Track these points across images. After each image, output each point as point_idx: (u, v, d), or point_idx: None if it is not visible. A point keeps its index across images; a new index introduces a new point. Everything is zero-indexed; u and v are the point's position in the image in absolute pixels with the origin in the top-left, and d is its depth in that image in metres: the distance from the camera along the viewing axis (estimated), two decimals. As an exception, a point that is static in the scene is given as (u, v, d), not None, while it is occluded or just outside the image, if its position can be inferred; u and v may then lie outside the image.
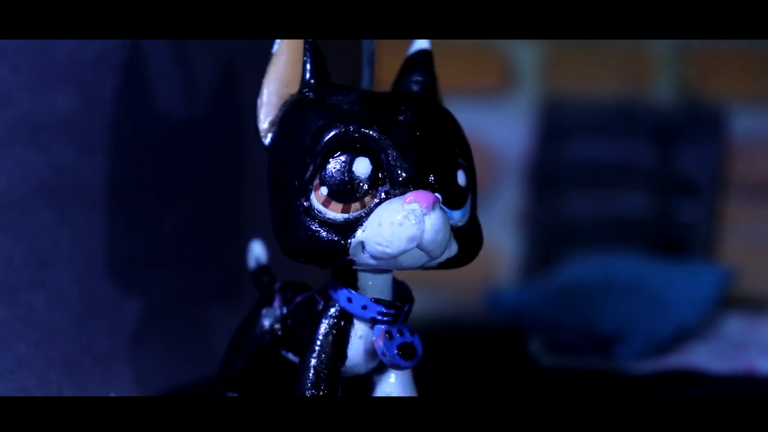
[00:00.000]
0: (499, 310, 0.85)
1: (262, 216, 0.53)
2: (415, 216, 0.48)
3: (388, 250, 0.49)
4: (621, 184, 1.03)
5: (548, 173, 1.05)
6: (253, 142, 0.53)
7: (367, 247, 0.49)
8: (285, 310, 0.55)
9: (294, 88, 0.53)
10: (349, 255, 0.49)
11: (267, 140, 0.53)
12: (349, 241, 0.49)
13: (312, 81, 0.52)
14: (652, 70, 1.07)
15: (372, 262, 0.50)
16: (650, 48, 1.06)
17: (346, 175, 0.49)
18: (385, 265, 0.50)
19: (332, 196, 0.49)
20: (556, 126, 1.06)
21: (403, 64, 0.55)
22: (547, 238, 1.04)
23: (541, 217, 1.05)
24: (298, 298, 0.55)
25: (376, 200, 0.50)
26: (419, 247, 0.49)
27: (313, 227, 0.49)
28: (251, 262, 0.59)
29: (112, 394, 0.62)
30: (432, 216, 0.49)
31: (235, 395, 0.56)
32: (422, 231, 0.49)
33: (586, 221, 1.03)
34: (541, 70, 1.08)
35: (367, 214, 0.49)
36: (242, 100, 0.70)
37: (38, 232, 0.59)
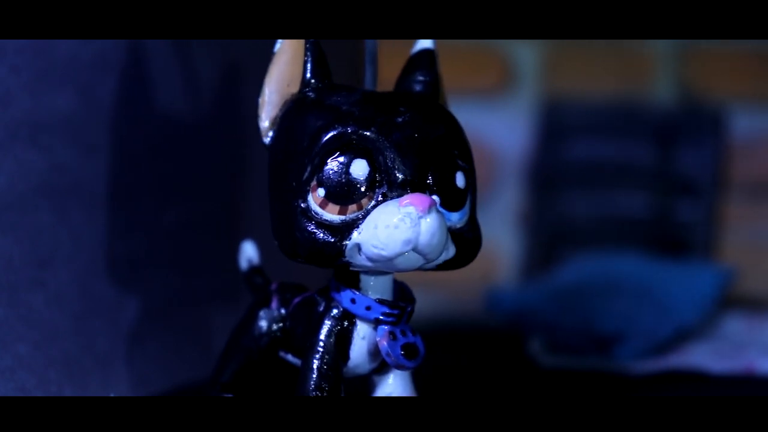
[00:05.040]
0: (499, 310, 0.85)
1: (262, 216, 0.53)
2: (411, 219, 0.48)
3: (384, 253, 0.49)
4: (621, 184, 1.03)
5: (548, 173, 1.05)
6: (253, 142, 0.53)
7: (363, 249, 0.49)
8: (283, 311, 0.55)
9: (295, 88, 0.53)
10: (345, 257, 0.49)
11: (268, 139, 0.53)
12: (345, 243, 0.49)
13: (312, 81, 0.52)
14: (652, 70, 1.07)
15: (368, 264, 0.50)
16: (650, 48, 1.06)
17: (343, 176, 0.49)
18: (381, 267, 0.50)
19: (329, 197, 0.49)
20: (556, 126, 1.06)
21: (406, 63, 0.55)
22: (547, 238, 1.04)
23: (541, 217, 1.04)
24: (297, 299, 0.55)
25: (373, 202, 0.49)
26: (415, 250, 0.49)
27: (310, 228, 0.49)
28: (243, 264, 0.59)
29: (112, 394, 0.62)
30: (428, 219, 0.49)
31: (231, 396, 0.56)
32: (418, 234, 0.48)
33: (586, 221, 1.03)
34: (541, 70, 1.08)
35: (364, 216, 0.49)
36: (242, 100, 0.70)
37: (38, 232, 0.59)
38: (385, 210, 0.49)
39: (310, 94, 0.52)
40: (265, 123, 0.53)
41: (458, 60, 1.06)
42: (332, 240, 0.49)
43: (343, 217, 0.49)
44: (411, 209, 0.48)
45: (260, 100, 0.53)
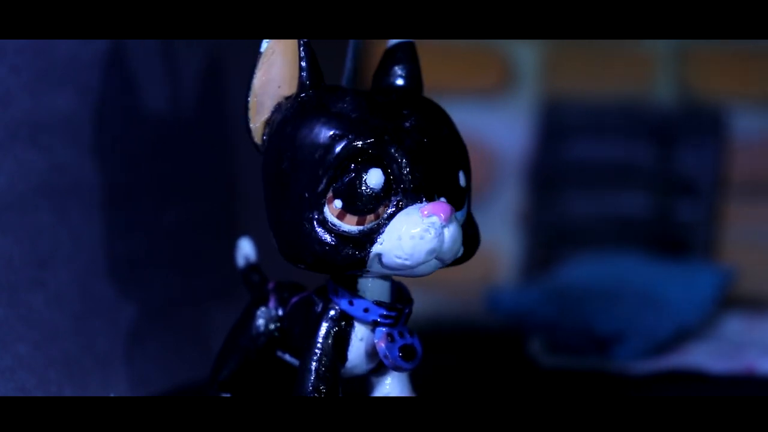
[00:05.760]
0: (499, 310, 0.85)
1: (261, 216, 0.53)
2: (435, 229, 0.48)
3: (408, 263, 0.49)
4: (621, 184, 1.03)
5: (548, 173, 1.05)
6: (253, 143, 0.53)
7: (385, 259, 0.49)
8: (281, 311, 0.55)
9: (287, 89, 0.52)
10: (366, 267, 0.49)
11: (260, 141, 0.52)
12: (367, 253, 0.49)
13: (308, 83, 0.52)
14: (652, 70, 1.07)
15: (385, 271, 0.50)
16: (650, 48, 1.06)
17: (360, 187, 0.49)
18: (399, 274, 0.50)
19: (347, 209, 0.49)
20: (556, 126, 1.06)
21: (383, 56, 0.54)
22: (547, 238, 1.04)
23: (541, 217, 1.04)
24: (294, 299, 0.55)
25: (389, 210, 0.49)
26: (437, 257, 0.49)
27: (330, 241, 0.49)
28: (240, 261, 0.59)
29: (112, 394, 0.62)
30: (450, 227, 0.49)
31: (229, 396, 0.56)
32: (442, 243, 0.49)
33: (586, 221, 1.03)
34: (541, 70, 1.08)
35: (381, 225, 0.49)
36: (242, 101, 0.70)
37: (38, 232, 0.59)
38: (408, 220, 0.49)
39: (310, 98, 0.51)
40: (255, 125, 0.52)
41: (458, 60, 1.06)
42: (354, 252, 0.49)
43: (361, 228, 0.49)
44: (435, 219, 0.48)
45: (250, 101, 0.52)
